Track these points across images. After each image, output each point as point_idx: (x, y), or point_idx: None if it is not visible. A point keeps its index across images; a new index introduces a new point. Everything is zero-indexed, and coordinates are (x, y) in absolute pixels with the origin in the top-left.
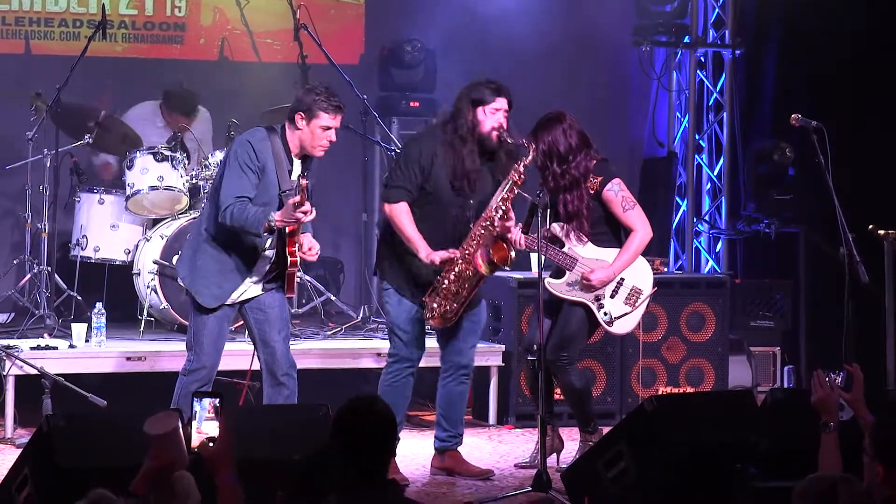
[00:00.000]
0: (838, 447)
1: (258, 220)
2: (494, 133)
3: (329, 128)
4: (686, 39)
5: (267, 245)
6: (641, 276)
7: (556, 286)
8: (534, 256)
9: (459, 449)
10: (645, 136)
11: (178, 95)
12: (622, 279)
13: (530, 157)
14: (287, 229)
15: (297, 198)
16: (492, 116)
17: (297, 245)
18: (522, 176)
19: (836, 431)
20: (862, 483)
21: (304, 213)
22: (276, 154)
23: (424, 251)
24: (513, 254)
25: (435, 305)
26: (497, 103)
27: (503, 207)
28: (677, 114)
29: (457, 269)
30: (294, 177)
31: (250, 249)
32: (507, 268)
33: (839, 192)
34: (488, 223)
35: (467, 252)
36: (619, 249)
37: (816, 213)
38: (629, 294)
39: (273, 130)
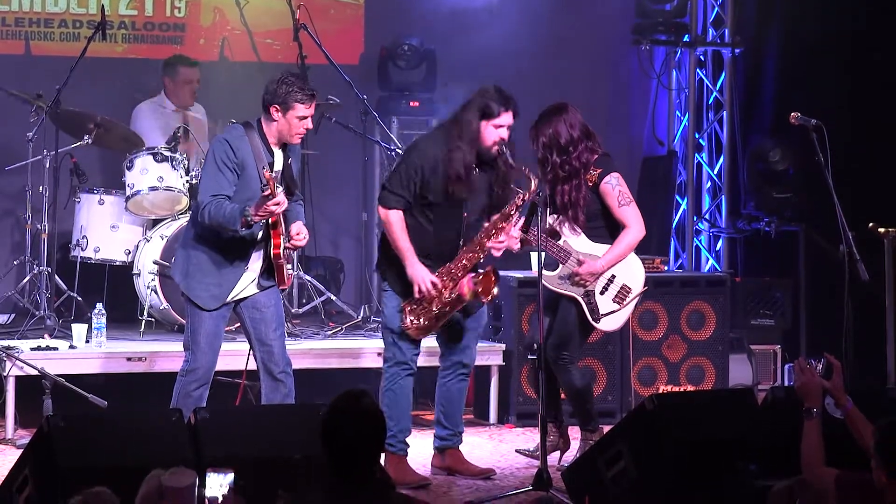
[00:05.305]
0: (821, 434)
1: (234, 217)
2: (495, 148)
3: (305, 117)
4: (686, 38)
5: (259, 237)
6: (633, 274)
7: (548, 279)
8: (533, 255)
9: (460, 448)
10: (645, 134)
11: (173, 58)
12: (613, 276)
13: (532, 190)
14: (270, 220)
15: (267, 191)
16: (495, 131)
17: (281, 236)
18: (520, 209)
19: (818, 418)
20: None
21: (277, 204)
22: (256, 149)
23: (412, 268)
24: (496, 290)
25: (413, 318)
26: (502, 118)
27: (496, 235)
28: (677, 112)
29: (440, 287)
30: (277, 167)
31: (242, 243)
32: (486, 300)
33: (839, 191)
34: (479, 248)
35: (454, 273)
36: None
37: (816, 211)
38: (619, 292)
39: (250, 126)
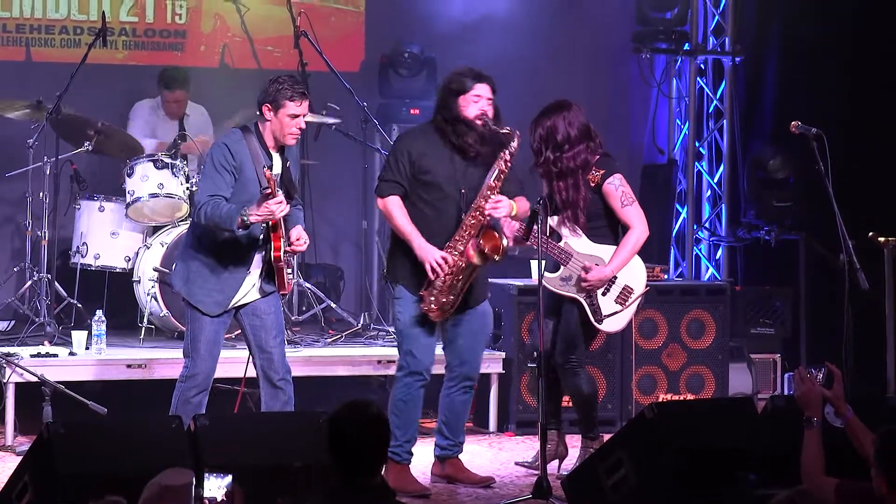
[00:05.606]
0: (821, 444)
1: (231, 217)
2: (479, 122)
3: (297, 115)
4: (686, 47)
5: (260, 240)
6: (634, 275)
7: (550, 280)
8: (533, 263)
9: (460, 456)
10: (645, 142)
11: (170, 70)
12: (614, 277)
13: (516, 144)
14: (270, 223)
15: (267, 190)
16: (474, 104)
17: (282, 239)
18: (508, 163)
19: (819, 427)
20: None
21: (279, 203)
22: (254, 153)
23: (419, 248)
24: (505, 242)
25: (432, 298)
26: (476, 90)
27: (492, 196)
28: (677, 121)
29: (451, 262)
30: (276, 171)
31: (242, 247)
32: (498, 258)
33: (839, 199)
34: (478, 213)
35: (459, 244)
36: (614, 246)
37: (816, 220)
38: (621, 292)
39: (248, 130)
